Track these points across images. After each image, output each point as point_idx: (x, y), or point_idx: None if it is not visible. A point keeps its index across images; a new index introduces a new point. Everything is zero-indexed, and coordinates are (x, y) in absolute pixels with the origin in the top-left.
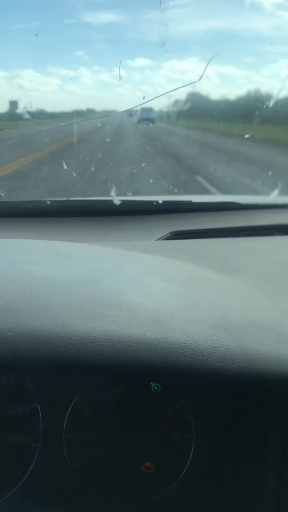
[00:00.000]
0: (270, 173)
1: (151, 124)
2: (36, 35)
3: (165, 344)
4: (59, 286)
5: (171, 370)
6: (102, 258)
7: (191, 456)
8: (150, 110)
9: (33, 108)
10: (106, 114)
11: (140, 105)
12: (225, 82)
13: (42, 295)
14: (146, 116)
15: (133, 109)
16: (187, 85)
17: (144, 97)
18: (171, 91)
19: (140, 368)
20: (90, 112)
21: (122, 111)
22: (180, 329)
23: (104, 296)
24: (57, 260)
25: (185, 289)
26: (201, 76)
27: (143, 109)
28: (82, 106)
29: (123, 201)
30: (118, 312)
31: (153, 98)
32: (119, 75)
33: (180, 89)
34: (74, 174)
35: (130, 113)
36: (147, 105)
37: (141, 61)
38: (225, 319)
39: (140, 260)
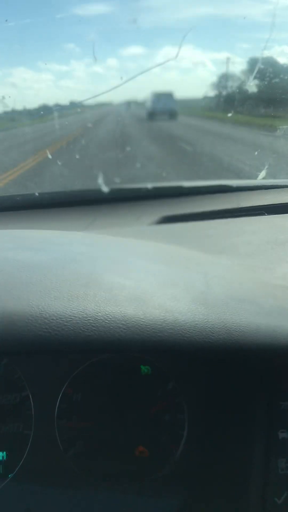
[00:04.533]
0: None
1: (171, 119)
2: (6, 20)
3: (143, 320)
4: (36, 269)
5: (150, 346)
6: (82, 242)
7: (184, 436)
8: (168, 96)
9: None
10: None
11: (112, 89)
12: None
13: (18, 278)
14: (164, 107)
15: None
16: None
17: (121, 77)
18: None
19: (119, 345)
20: (72, 105)
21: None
22: (158, 305)
23: (81, 277)
24: (38, 245)
25: (166, 268)
26: (177, 54)
27: (156, 96)
28: (74, 100)
29: (112, 188)
30: (95, 291)
31: (131, 78)
32: (94, 57)
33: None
34: None
35: (128, 104)
36: (165, 90)
37: (134, 50)
38: (206, 294)
39: (124, 244)
